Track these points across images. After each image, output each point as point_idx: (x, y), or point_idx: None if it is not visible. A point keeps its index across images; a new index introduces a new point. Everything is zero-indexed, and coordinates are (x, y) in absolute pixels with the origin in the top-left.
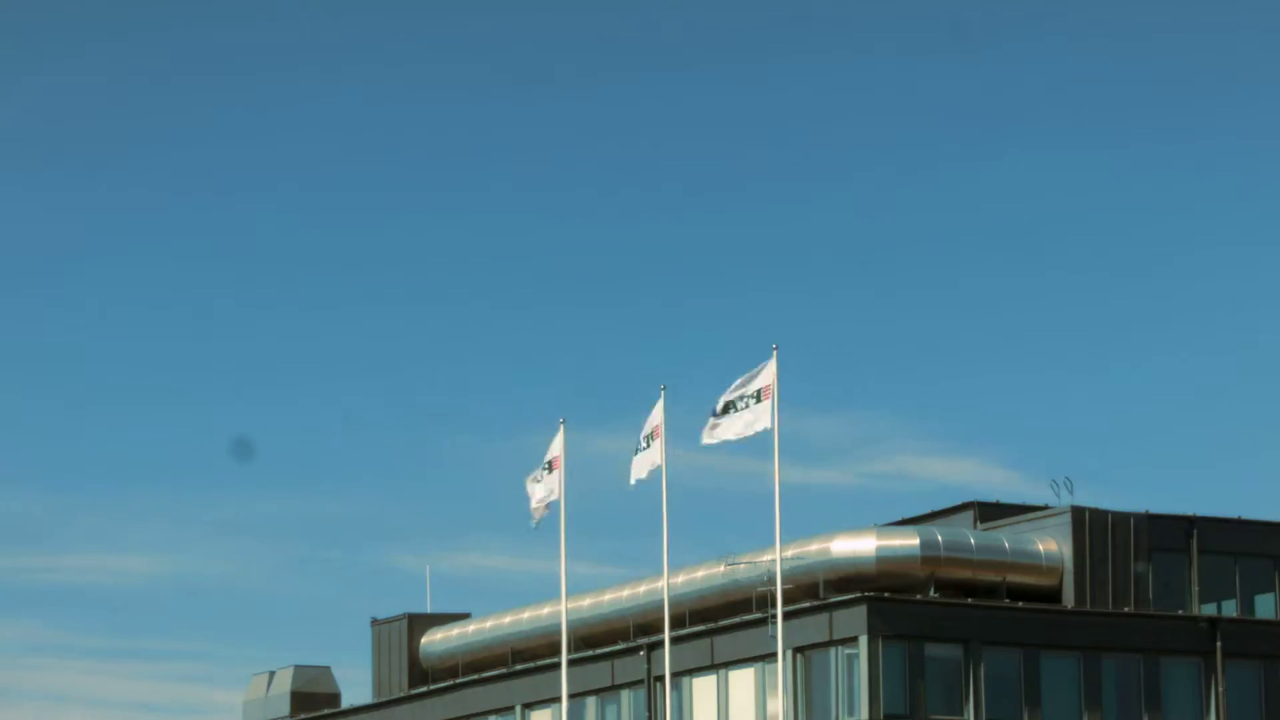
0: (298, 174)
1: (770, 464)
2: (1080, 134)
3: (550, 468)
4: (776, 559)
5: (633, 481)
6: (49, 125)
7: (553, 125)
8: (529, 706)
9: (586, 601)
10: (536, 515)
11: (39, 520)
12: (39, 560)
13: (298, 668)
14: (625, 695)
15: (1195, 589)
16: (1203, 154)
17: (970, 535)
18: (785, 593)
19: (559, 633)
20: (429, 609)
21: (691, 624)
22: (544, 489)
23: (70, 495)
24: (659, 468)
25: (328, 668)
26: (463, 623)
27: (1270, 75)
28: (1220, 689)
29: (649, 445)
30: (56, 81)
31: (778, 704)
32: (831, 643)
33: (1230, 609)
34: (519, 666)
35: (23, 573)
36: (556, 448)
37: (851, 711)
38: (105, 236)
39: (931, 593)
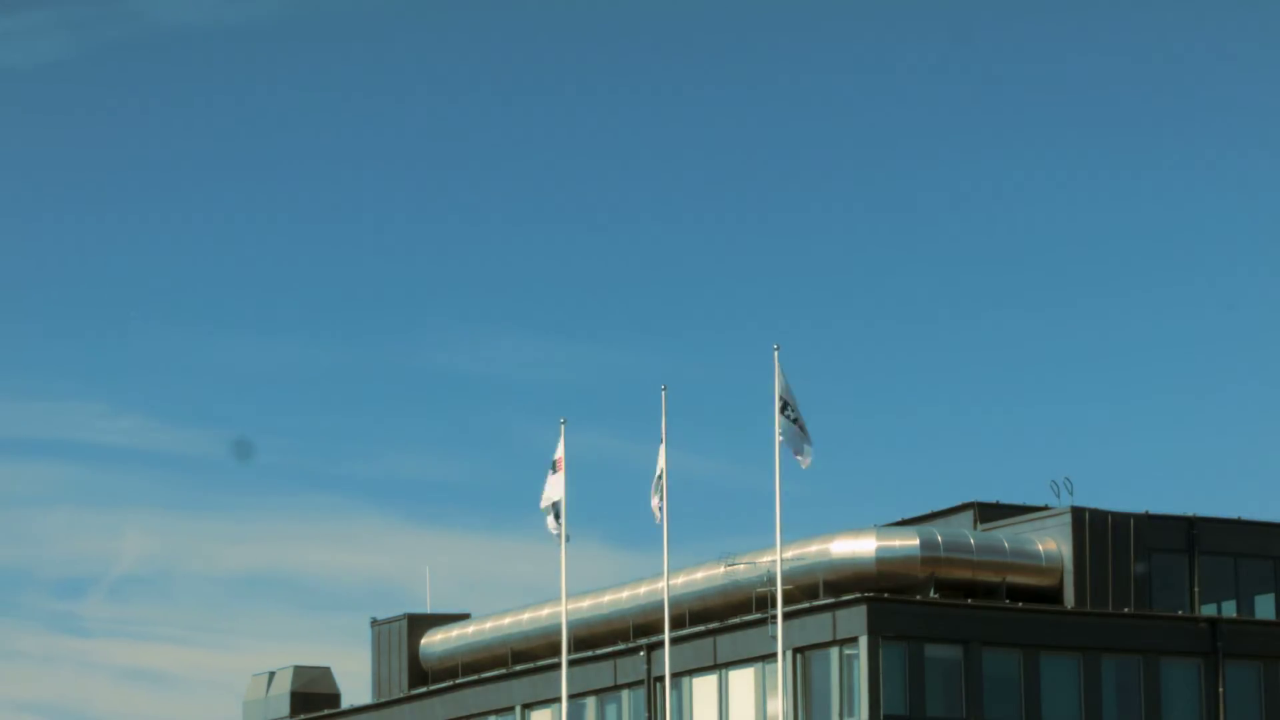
0: (297, 176)
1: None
2: (1081, 139)
3: (555, 468)
4: (777, 559)
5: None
6: (57, 133)
7: (554, 126)
8: (529, 706)
9: (586, 602)
10: (552, 525)
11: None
12: (41, 556)
13: (298, 668)
14: (625, 695)
15: (1195, 589)
16: (1200, 156)
17: (970, 535)
18: (785, 593)
19: (559, 633)
20: (429, 609)
21: (691, 624)
22: (552, 490)
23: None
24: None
25: (328, 668)
26: (462, 623)
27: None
28: (1220, 689)
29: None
30: (60, 90)
31: (778, 704)
32: (831, 643)
33: (1230, 609)
34: (519, 667)
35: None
36: (560, 449)
37: (851, 712)
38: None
39: (931, 593)
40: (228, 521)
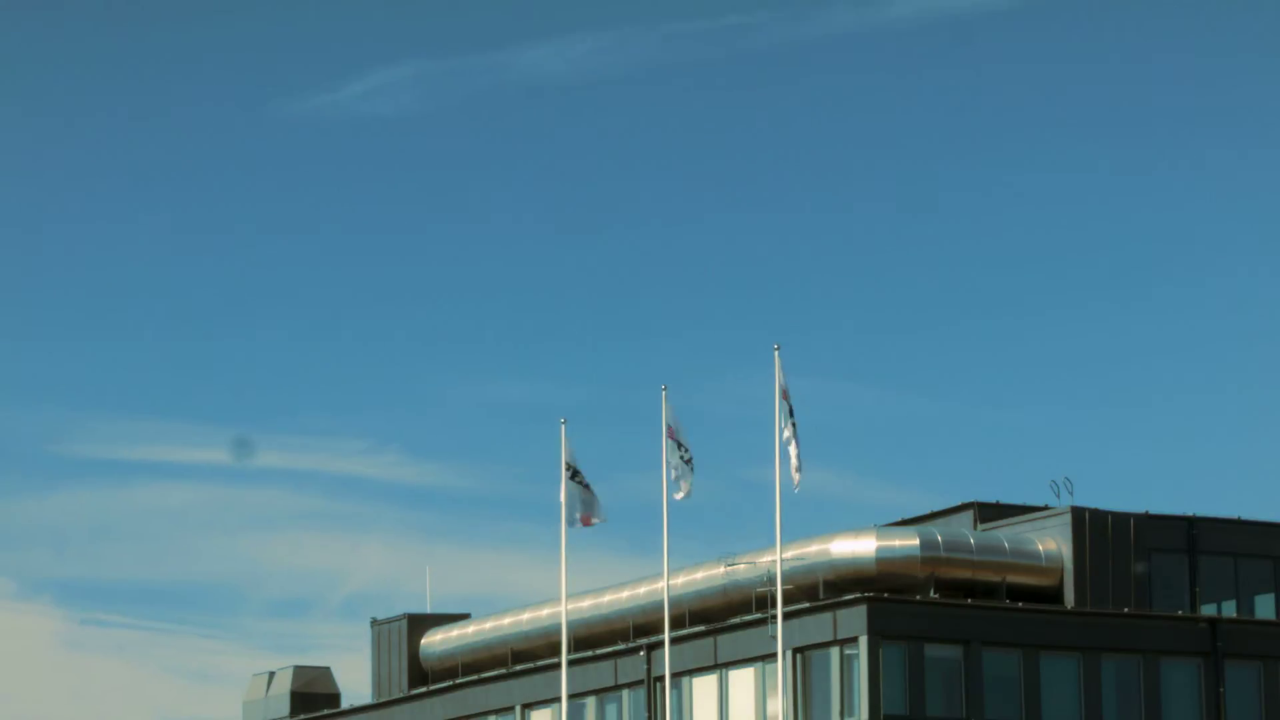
0: (297, 175)
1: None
2: (1081, 141)
3: (574, 474)
4: (777, 559)
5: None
6: (60, 134)
7: (554, 125)
8: (529, 706)
9: (586, 602)
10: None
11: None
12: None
13: (298, 668)
14: (625, 695)
15: (1195, 589)
16: (1199, 158)
17: (970, 535)
18: (785, 593)
19: (559, 633)
20: (429, 609)
21: (691, 624)
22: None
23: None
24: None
25: (328, 668)
26: (462, 623)
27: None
28: (1220, 689)
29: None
30: (63, 91)
31: (778, 704)
32: (831, 643)
33: (1230, 609)
34: (519, 667)
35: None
36: (564, 451)
37: (851, 711)
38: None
39: (931, 593)
40: (452, 547)
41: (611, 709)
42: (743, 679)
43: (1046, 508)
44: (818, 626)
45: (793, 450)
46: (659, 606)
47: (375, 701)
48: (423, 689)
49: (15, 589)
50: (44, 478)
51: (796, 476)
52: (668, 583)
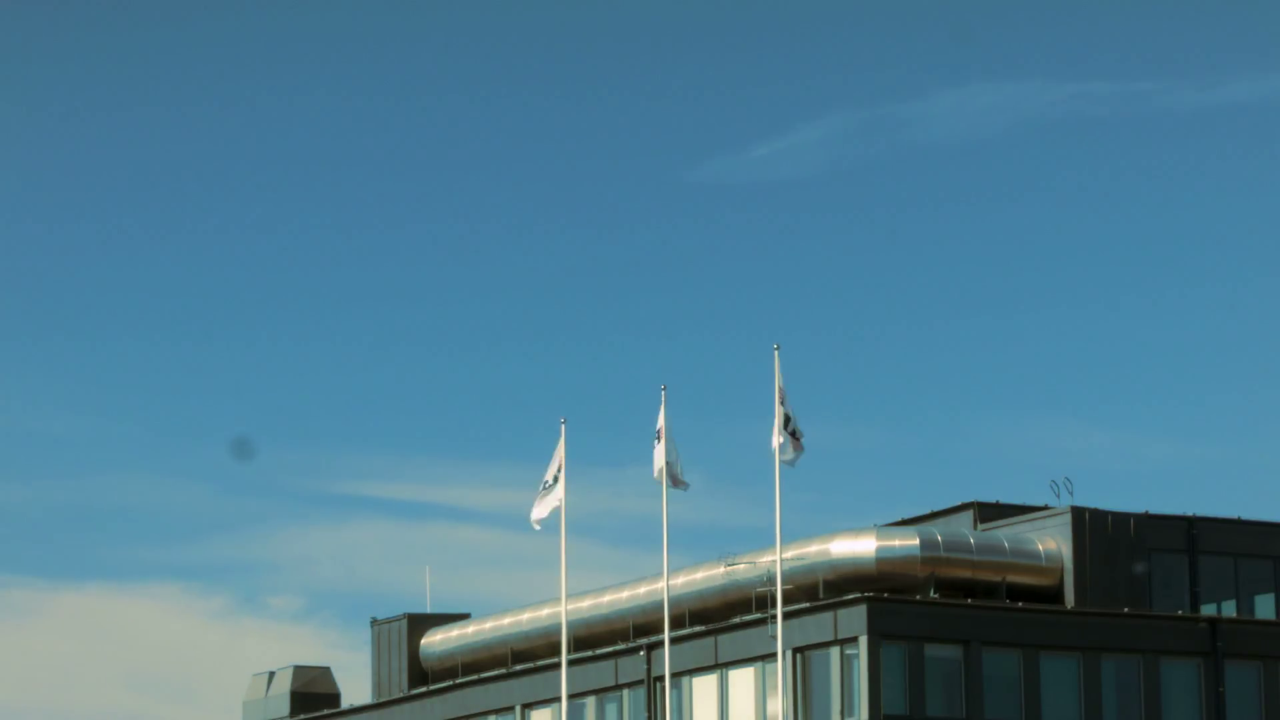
0: (300, 173)
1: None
2: (1080, 141)
3: (558, 471)
4: (777, 559)
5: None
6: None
7: (554, 124)
8: (529, 706)
9: (586, 602)
10: (538, 519)
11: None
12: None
13: (298, 668)
14: (625, 695)
15: (1195, 589)
16: (1199, 159)
17: (970, 535)
18: (785, 593)
19: (559, 633)
20: (429, 609)
21: (691, 624)
22: (552, 497)
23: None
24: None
25: (328, 668)
26: (462, 623)
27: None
28: (1220, 689)
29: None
30: (65, 93)
31: (778, 704)
32: (831, 643)
33: (1230, 609)
34: (519, 667)
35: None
36: (560, 451)
37: (851, 711)
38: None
39: (931, 593)
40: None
41: (611, 709)
42: (743, 679)
43: (1046, 508)
44: (818, 626)
45: (779, 440)
46: (659, 606)
47: (375, 701)
48: (423, 689)
49: (301, 605)
50: (338, 511)
51: (793, 453)
52: (668, 583)
